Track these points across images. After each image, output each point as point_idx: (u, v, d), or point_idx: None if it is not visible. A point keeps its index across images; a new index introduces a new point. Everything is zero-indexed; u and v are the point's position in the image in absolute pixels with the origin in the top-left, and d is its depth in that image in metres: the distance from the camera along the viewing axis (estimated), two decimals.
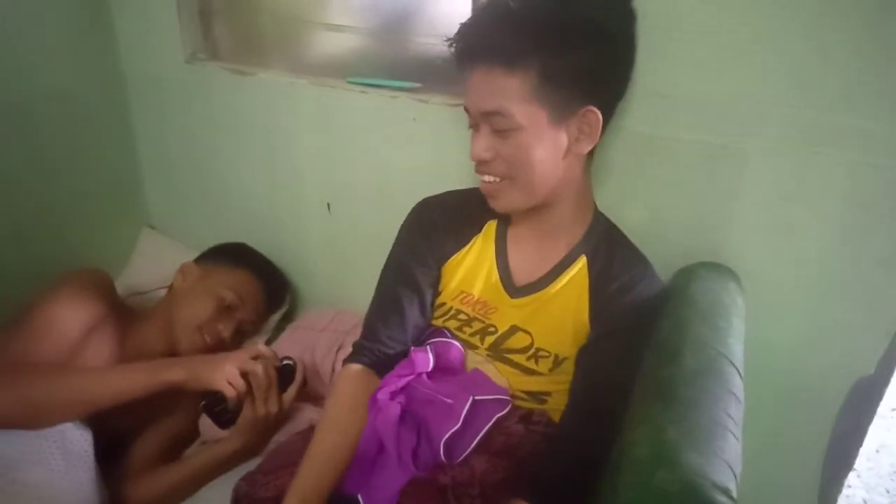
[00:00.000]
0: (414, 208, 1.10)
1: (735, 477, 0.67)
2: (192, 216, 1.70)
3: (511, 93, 0.85)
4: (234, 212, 1.61)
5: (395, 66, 1.32)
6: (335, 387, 1.02)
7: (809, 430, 1.10)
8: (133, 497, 1.15)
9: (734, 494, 0.65)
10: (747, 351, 1.00)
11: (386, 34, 1.33)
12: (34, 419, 1.07)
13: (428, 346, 1.02)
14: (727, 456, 0.68)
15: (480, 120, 0.90)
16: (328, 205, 1.44)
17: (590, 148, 0.92)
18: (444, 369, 1.01)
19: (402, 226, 1.10)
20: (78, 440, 1.09)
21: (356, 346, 1.06)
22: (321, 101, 1.35)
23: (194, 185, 1.65)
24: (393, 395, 0.96)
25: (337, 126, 1.36)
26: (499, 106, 0.86)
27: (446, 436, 0.90)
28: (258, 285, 1.41)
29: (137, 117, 1.65)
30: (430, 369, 0.99)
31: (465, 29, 0.91)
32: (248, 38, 1.52)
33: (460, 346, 1.03)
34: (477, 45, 0.89)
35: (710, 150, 1.01)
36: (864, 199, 0.95)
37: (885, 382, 1.02)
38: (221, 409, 1.18)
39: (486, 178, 0.94)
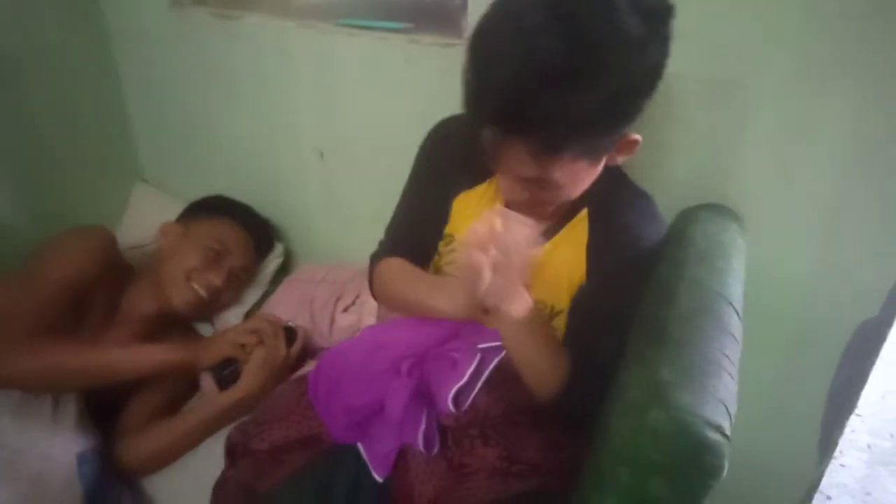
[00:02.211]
0: (435, 130, 1.05)
1: (729, 415, 0.66)
2: (184, 169, 1.68)
3: (556, 166, 0.77)
4: (226, 163, 1.58)
5: (385, 7, 1.28)
6: (380, 275, 1.04)
7: (813, 372, 1.08)
8: (131, 452, 1.15)
9: (727, 432, 0.64)
10: (750, 292, 0.98)
11: None
12: (55, 386, 1.12)
13: None
14: (721, 395, 0.66)
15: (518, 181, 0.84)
16: (321, 153, 1.41)
17: (622, 161, 0.87)
18: None
19: (423, 149, 1.05)
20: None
21: (382, 247, 1.07)
22: (311, 45, 1.31)
23: (185, 136, 1.62)
24: (411, 369, 0.95)
25: (328, 70, 1.32)
26: (541, 175, 0.79)
27: (452, 392, 0.89)
28: (241, 230, 1.41)
29: (124, 69, 1.63)
30: None
31: (490, 85, 0.73)
32: None
33: None
34: (518, 122, 0.73)
35: (717, 85, 0.97)
36: (870, 138, 0.91)
37: (889, 325, 1.00)
38: (230, 372, 1.21)
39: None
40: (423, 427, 0.88)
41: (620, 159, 0.86)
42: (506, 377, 0.92)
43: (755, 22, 0.92)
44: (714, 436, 0.62)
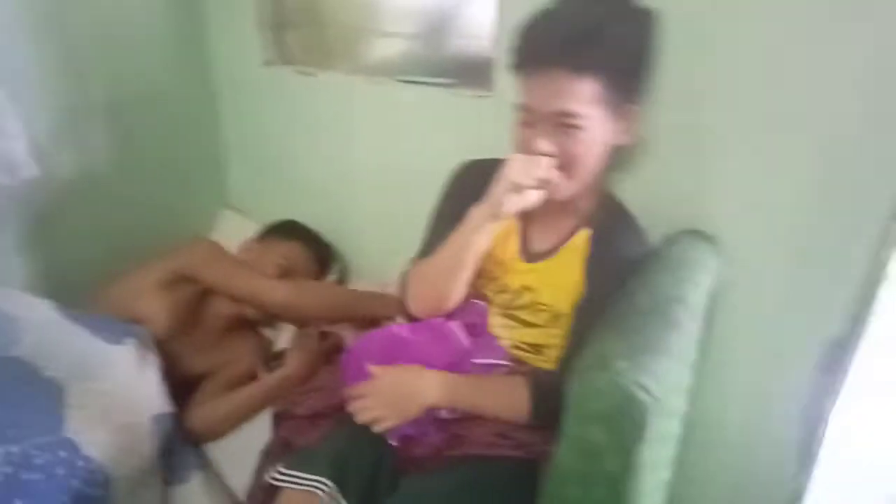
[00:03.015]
0: (460, 166, 1.23)
1: (659, 383, 0.80)
2: (265, 198, 1.97)
3: (581, 96, 0.97)
4: (300, 194, 1.86)
5: (433, 65, 1.53)
6: (409, 277, 1.18)
7: (787, 385, 1.18)
8: (197, 420, 1.36)
9: (656, 394, 0.78)
10: (725, 310, 1.12)
11: (426, 38, 1.54)
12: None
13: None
14: (654, 368, 0.81)
15: (543, 118, 1.00)
16: (374, 186, 1.67)
17: (628, 141, 1.07)
18: (470, 324, 1.16)
19: (449, 181, 1.23)
20: (146, 354, 1.30)
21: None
22: (374, 96, 1.58)
23: (269, 170, 1.92)
24: None
25: (387, 117, 1.58)
26: (570, 107, 0.97)
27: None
28: (308, 252, 1.66)
29: (224, 113, 1.95)
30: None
31: (532, 34, 1.00)
32: (314, 45, 1.78)
33: (485, 305, 1.18)
34: (548, 51, 0.97)
35: (691, 129, 1.14)
36: (833, 175, 1.04)
37: (854, 340, 1.10)
38: (277, 364, 1.47)
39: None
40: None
41: (627, 137, 1.05)
42: None
43: (722, 73, 1.08)
44: (641, 393, 0.77)
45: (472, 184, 1.12)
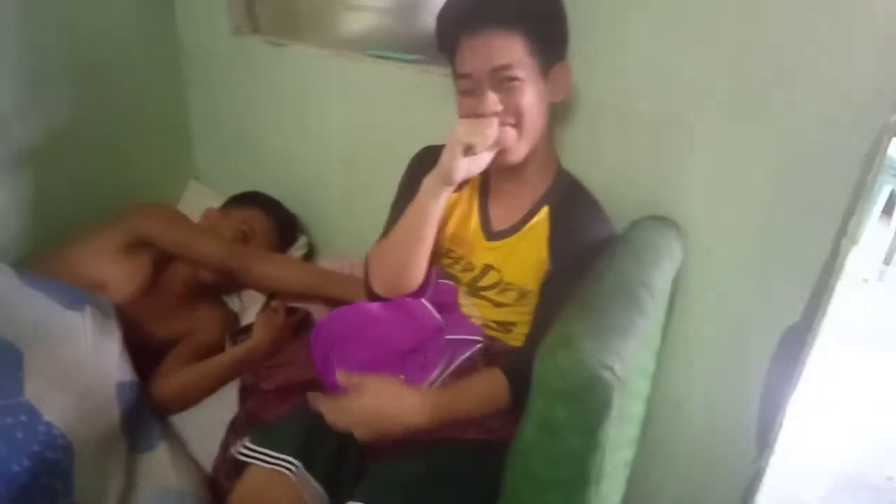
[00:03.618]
0: (418, 154, 1.26)
1: (623, 364, 0.82)
2: (232, 170, 1.94)
3: (516, 49, 1.03)
4: (267, 167, 1.83)
5: (404, 41, 1.52)
6: (371, 254, 1.20)
7: (747, 371, 1.22)
8: (161, 389, 1.35)
9: (619, 374, 0.80)
10: (689, 293, 1.15)
11: (398, 13, 1.53)
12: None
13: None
14: (617, 347, 0.83)
15: (485, 79, 1.04)
16: (343, 161, 1.65)
17: (562, 98, 1.11)
18: (439, 303, 1.18)
19: (408, 167, 1.26)
20: (106, 322, 1.28)
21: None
22: (343, 71, 1.56)
23: (236, 142, 1.88)
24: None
25: (356, 92, 1.57)
26: (509, 60, 1.02)
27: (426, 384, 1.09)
28: (269, 220, 1.66)
29: (190, 81, 1.90)
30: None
31: (461, 3, 1.08)
32: (284, 15, 1.74)
33: (453, 285, 1.20)
34: (479, 12, 1.04)
35: (660, 117, 1.16)
36: (794, 163, 1.07)
37: (809, 329, 1.15)
38: (244, 337, 1.46)
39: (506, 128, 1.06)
40: None
41: (559, 94, 1.10)
42: (475, 366, 1.11)
43: (690, 63, 1.10)
44: (606, 373, 0.79)
45: (428, 169, 1.13)
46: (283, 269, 1.54)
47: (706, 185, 1.17)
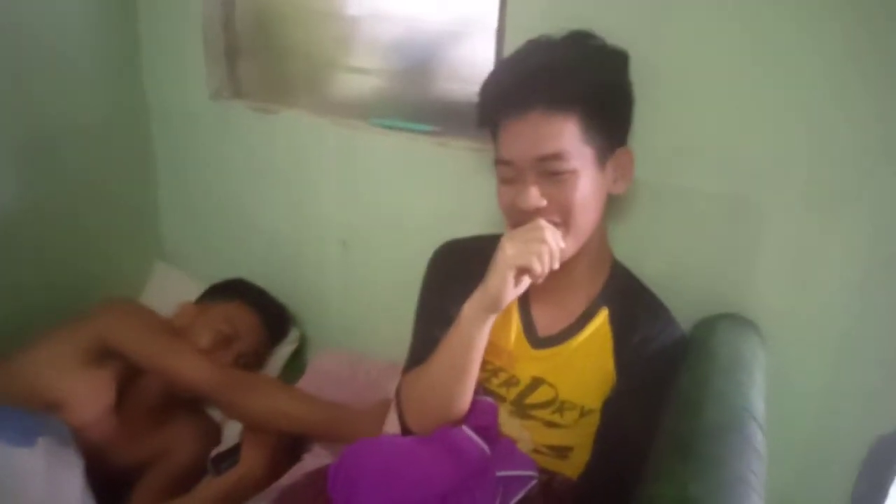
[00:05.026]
0: (439, 251, 1.09)
1: None
2: (207, 252, 1.70)
3: (568, 135, 0.87)
4: (249, 248, 1.62)
5: (415, 110, 1.35)
6: (405, 383, 1.03)
7: (830, 488, 1.09)
8: None
9: None
10: (769, 402, 0.99)
11: (408, 78, 1.37)
12: None
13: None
14: None
15: (529, 167, 0.89)
16: (344, 243, 1.45)
17: (624, 189, 0.96)
18: (480, 427, 0.99)
19: (429, 269, 1.09)
20: (64, 453, 1.09)
21: (405, 368, 1.06)
22: (343, 142, 1.38)
23: (210, 220, 1.66)
24: None
25: (358, 167, 1.38)
26: (558, 149, 0.87)
27: None
28: (254, 315, 1.43)
29: (160, 151, 1.68)
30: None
31: (501, 80, 0.93)
32: (272, 78, 1.55)
33: (494, 403, 1.01)
34: (527, 91, 0.88)
35: (730, 202, 1.03)
36: (885, 256, 0.96)
37: None
38: (229, 463, 1.23)
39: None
40: None
41: (622, 184, 0.95)
42: None
43: (768, 144, 0.98)
44: None
45: (455, 272, 1.02)
46: (283, 404, 1.26)
47: (782, 279, 1.03)
